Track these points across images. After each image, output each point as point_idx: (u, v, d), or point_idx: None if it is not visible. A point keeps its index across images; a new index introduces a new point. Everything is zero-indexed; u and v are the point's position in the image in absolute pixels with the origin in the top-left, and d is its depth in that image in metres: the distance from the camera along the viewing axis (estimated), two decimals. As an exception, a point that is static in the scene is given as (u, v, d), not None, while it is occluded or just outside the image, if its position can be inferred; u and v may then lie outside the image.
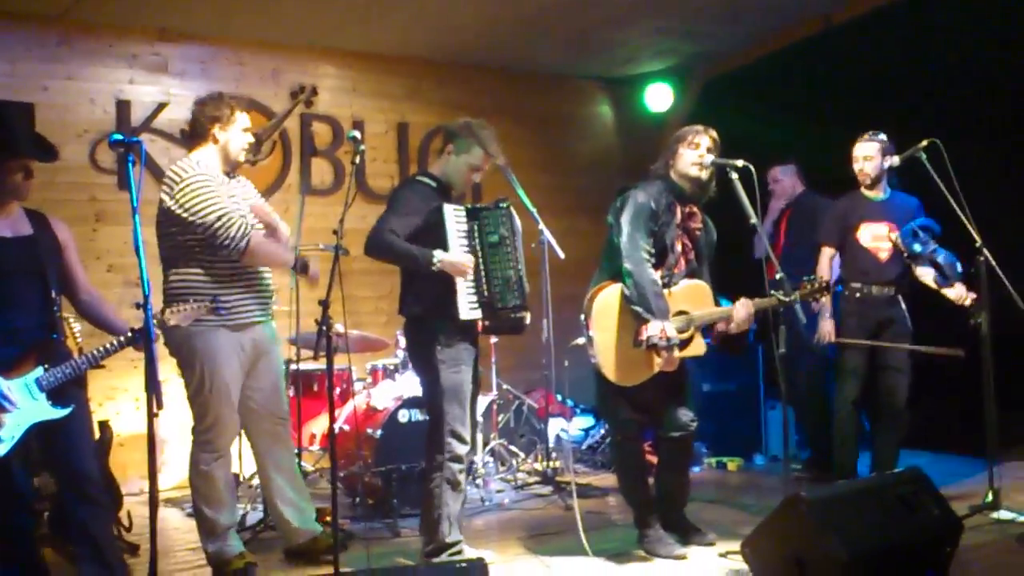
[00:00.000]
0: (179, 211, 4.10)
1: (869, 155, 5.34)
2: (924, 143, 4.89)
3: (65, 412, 3.61)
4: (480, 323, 4.43)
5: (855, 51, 6.79)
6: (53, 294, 3.68)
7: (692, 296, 4.42)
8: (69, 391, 3.66)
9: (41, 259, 3.67)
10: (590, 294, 4.39)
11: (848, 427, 5.37)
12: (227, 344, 4.23)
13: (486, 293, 4.30)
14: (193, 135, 4.36)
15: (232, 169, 4.41)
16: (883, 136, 5.32)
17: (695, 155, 4.37)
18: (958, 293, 5.03)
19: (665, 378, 4.34)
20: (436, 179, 4.48)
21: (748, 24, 7.20)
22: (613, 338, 4.29)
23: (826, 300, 5.25)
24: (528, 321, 4.50)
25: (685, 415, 4.49)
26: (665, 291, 4.29)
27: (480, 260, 4.30)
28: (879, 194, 5.42)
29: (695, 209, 4.49)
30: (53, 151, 3.82)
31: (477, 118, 4.60)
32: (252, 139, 4.44)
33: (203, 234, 4.09)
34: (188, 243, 4.17)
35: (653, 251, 4.30)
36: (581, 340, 4.46)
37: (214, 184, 4.17)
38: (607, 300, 4.33)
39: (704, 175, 4.38)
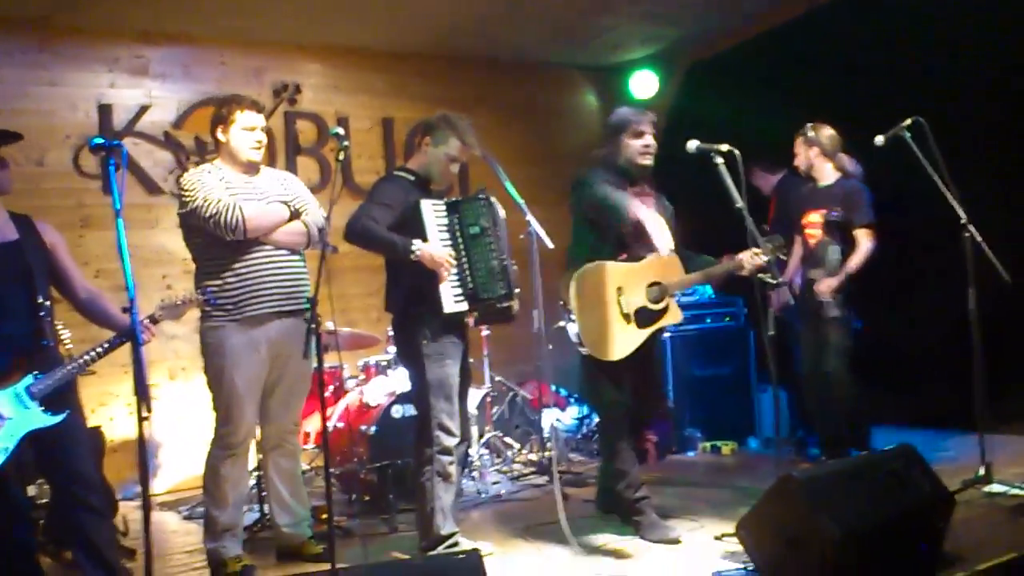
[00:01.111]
0: (182, 212, 4.26)
1: (796, 150, 5.67)
2: (908, 122, 4.89)
3: (59, 419, 3.57)
4: (470, 315, 4.45)
5: (840, 32, 6.78)
6: (41, 299, 3.64)
7: (662, 267, 4.50)
8: (62, 397, 3.63)
9: (28, 264, 3.63)
10: (564, 281, 4.45)
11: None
12: (237, 340, 4.25)
13: (471, 284, 4.31)
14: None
15: (248, 168, 4.43)
16: (807, 129, 5.59)
17: (640, 144, 4.52)
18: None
19: (640, 358, 4.47)
20: (414, 173, 4.51)
21: (731, 8, 7.20)
22: (593, 316, 4.38)
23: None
24: (516, 309, 4.53)
25: (661, 398, 4.63)
26: (628, 264, 4.44)
27: (463, 252, 4.32)
28: (823, 181, 5.62)
29: (646, 188, 4.62)
30: (12, 133, 3.80)
31: (462, 110, 4.63)
32: (261, 136, 4.41)
33: (202, 225, 4.19)
34: (199, 244, 4.31)
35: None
36: (563, 323, 4.51)
37: (206, 178, 4.26)
38: (581, 280, 4.41)
39: (650, 161, 4.55)
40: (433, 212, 4.29)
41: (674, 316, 4.58)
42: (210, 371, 4.32)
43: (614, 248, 4.49)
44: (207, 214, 4.15)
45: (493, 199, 4.48)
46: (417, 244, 4.16)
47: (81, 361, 3.66)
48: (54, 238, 3.87)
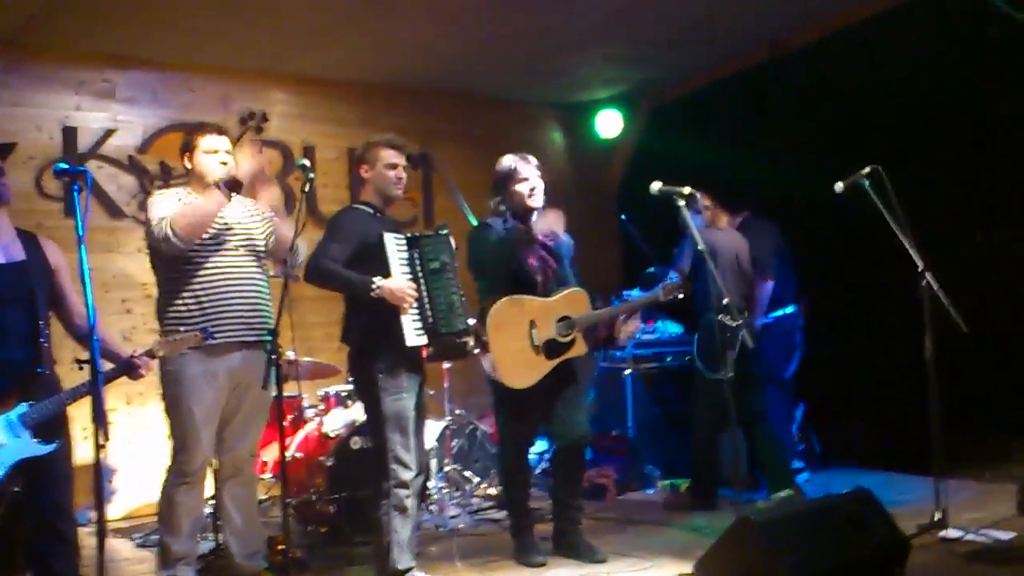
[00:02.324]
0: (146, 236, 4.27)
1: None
2: (866, 170, 4.97)
3: (49, 449, 3.51)
4: (424, 349, 4.46)
5: (802, 77, 6.90)
6: (41, 324, 3.57)
7: (570, 301, 4.77)
8: (53, 425, 3.56)
9: (32, 286, 3.55)
10: (480, 311, 4.65)
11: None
12: (196, 370, 4.19)
13: (431, 319, 4.32)
14: None
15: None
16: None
17: (527, 187, 4.84)
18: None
19: (558, 386, 4.74)
20: (370, 204, 4.54)
21: (696, 51, 7.31)
22: (506, 346, 4.61)
23: None
24: (472, 345, 4.59)
25: (580, 425, 4.82)
26: (541, 299, 4.70)
27: (423, 286, 4.33)
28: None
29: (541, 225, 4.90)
30: (7, 144, 3.78)
31: (429, 142, 4.76)
32: (225, 158, 4.36)
33: (152, 245, 4.20)
34: (160, 268, 4.33)
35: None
36: (476, 350, 4.62)
37: (161, 200, 4.26)
38: (497, 313, 4.60)
39: (538, 202, 4.84)
40: (395, 245, 4.32)
41: (579, 348, 4.79)
42: (168, 399, 4.27)
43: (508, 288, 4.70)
44: (153, 235, 4.14)
45: (450, 235, 4.54)
46: (378, 281, 4.18)
47: (75, 390, 3.58)
48: (58, 260, 3.81)
